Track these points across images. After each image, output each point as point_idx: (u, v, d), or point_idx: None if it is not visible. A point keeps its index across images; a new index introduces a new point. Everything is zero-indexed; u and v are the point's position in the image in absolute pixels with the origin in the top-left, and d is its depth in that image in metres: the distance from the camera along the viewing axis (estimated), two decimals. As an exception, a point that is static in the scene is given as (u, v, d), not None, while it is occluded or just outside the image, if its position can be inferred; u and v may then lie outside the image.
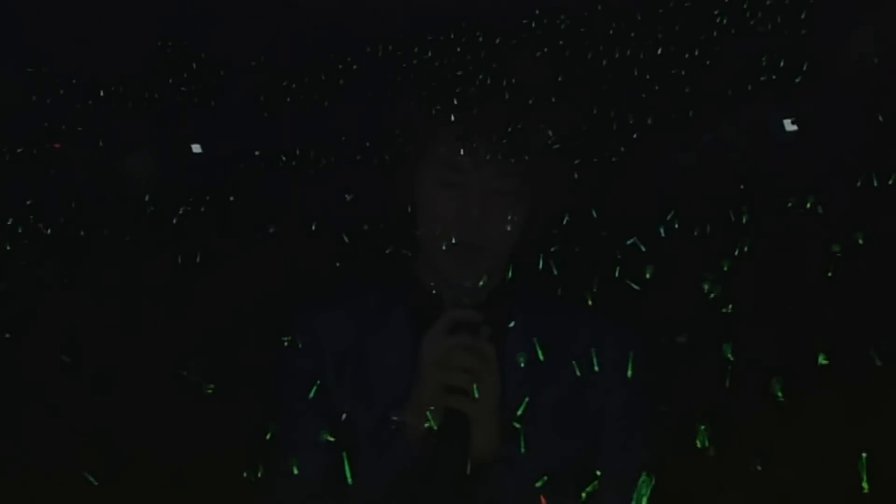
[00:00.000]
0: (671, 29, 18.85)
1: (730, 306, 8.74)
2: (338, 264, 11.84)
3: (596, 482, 5.90)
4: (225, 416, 7.93)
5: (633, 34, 21.03)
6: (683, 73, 19.46)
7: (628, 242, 11.14)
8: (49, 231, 15.71)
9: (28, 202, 18.09)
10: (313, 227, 14.44)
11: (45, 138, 21.64)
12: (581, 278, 9.65)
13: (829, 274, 9.12)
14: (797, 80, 17.24)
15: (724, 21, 20.46)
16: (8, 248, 14.68)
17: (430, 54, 22.43)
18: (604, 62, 21.21)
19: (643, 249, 10.52)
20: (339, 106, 21.17)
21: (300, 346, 8.58)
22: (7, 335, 10.37)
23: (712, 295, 8.76)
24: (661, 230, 11.03)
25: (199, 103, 22.26)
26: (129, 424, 7.68)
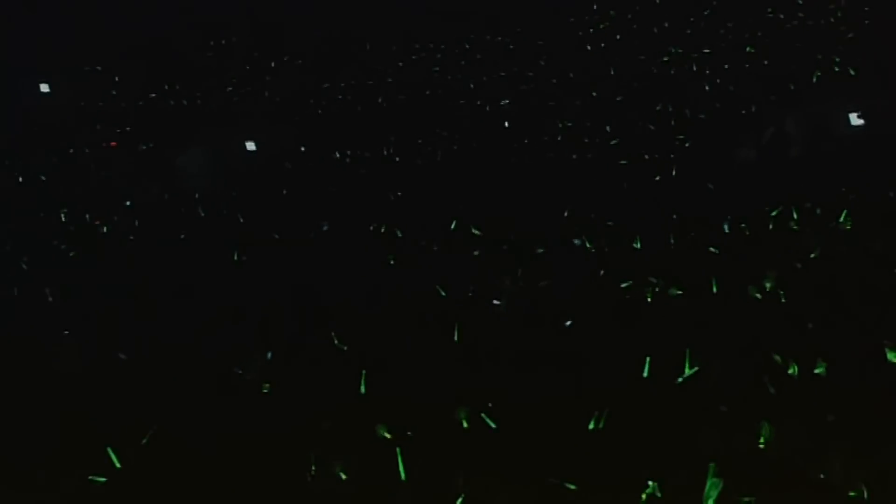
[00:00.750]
0: (727, 24, 18.34)
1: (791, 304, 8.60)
2: (391, 261, 11.80)
3: (655, 484, 5.87)
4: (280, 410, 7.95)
5: (689, 31, 20.37)
6: (746, 66, 18.83)
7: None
8: (105, 229, 15.68)
9: (85, 200, 17.97)
10: (373, 227, 14.22)
11: (101, 138, 21.53)
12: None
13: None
14: (853, 74, 16.59)
15: (782, 15, 19.59)
16: (64, 247, 14.73)
17: (478, 56, 21.83)
18: (665, 58, 20.45)
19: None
20: (390, 106, 20.83)
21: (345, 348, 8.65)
22: (66, 332, 10.49)
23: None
24: (726, 227, 10.86)
25: (251, 102, 21.96)
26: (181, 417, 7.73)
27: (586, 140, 16.87)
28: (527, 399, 7.95)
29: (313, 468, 7.12)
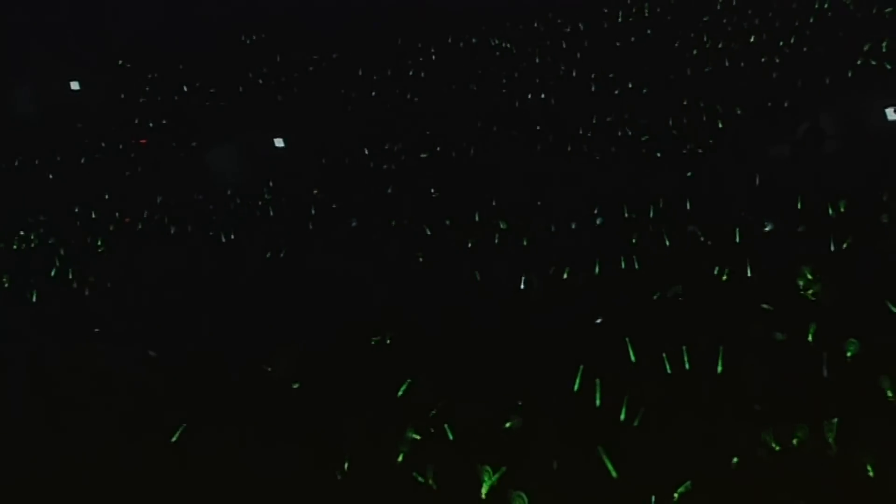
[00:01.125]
0: (765, 15, 18.06)
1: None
2: (420, 258, 11.81)
3: (689, 483, 5.87)
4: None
5: (726, 20, 20.10)
6: (777, 61, 18.61)
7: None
8: (140, 227, 15.78)
9: (116, 198, 18.12)
10: (400, 222, 14.24)
11: (132, 135, 21.65)
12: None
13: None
14: (889, 68, 16.34)
15: (826, 5, 19.29)
16: (99, 243, 14.86)
17: (508, 45, 21.82)
18: (694, 52, 20.34)
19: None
20: (423, 99, 20.78)
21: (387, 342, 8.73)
22: (97, 329, 10.59)
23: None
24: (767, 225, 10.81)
25: (283, 98, 22.00)
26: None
27: (621, 134, 16.80)
28: (564, 393, 8.00)
29: (345, 467, 7.17)
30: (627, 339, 7.96)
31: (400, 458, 7.01)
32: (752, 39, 20.21)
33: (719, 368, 7.83)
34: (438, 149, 17.76)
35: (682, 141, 15.89)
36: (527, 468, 6.82)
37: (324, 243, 13.84)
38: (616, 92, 18.85)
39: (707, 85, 18.58)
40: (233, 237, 14.55)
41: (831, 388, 7.44)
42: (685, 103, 17.51)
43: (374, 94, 21.58)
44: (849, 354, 7.15)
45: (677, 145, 15.81)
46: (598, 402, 7.42)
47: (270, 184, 17.03)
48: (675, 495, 6.28)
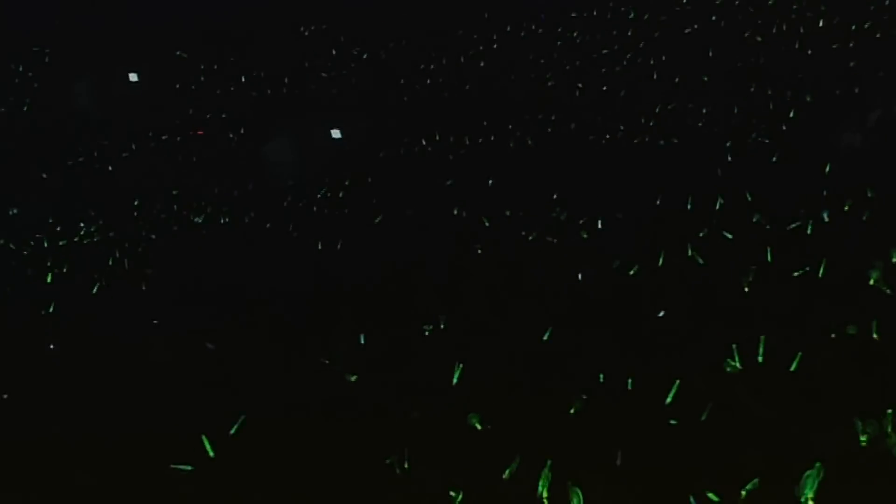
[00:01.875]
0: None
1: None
2: (479, 250, 11.79)
3: (756, 480, 5.77)
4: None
5: (794, 6, 19.76)
6: (851, 45, 18.16)
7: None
8: (199, 219, 15.93)
9: (174, 191, 18.31)
10: (455, 212, 14.27)
11: (189, 126, 21.86)
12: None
13: None
14: None
15: None
16: (153, 236, 15.01)
17: (575, 34, 21.62)
18: (758, 38, 20.04)
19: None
20: (476, 88, 20.69)
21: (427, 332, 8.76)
22: (155, 321, 10.72)
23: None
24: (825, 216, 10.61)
25: (337, 91, 22.06)
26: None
27: (681, 123, 16.64)
28: (620, 387, 7.96)
29: (405, 462, 7.18)
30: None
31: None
32: (820, 24, 19.90)
33: (794, 365, 7.74)
34: (493, 138, 17.73)
35: (748, 129, 15.69)
36: (581, 460, 6.81)
37: (380, 234, 13.88)
38: (676, 80, 18.68)
39: (776, 72, 18.32)
40: (291, 229, 14.64)
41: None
42: (752, 90, 17.29)
43: (429, 82, 21.61)
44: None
45: (742, 133, 15.59)
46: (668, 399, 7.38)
47: (327, 177, 17.13)
48: (743, 493, 6.22)
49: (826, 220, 11.28)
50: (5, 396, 9.32)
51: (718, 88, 17.96)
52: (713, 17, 21.54)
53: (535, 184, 14.70)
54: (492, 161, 16.98)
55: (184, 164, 20.01)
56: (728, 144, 15.04)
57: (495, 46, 23.08)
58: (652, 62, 19.75)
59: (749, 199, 12.34)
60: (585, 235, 12.17)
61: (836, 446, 6.56)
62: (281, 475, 7.31)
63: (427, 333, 9.56)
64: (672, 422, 7.21)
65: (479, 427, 7.40)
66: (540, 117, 18.64)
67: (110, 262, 14.05)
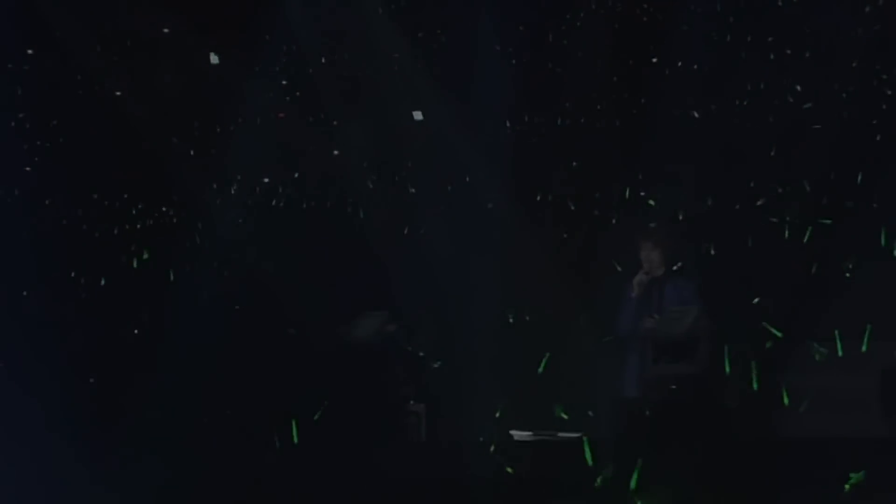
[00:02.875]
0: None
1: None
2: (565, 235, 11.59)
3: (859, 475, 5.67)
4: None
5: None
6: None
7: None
8: (275, 202, 16.08)
9: (253, 173, 18.49)
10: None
11: (270, 108, 21.92)
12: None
13: None
14: None
15: None
16: (240, 220, 15.18)
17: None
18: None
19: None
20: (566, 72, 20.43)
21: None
22: (237, 307, 10.85)
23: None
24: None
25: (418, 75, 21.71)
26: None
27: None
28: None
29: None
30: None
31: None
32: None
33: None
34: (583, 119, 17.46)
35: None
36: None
37: (452, 222, 13.84)
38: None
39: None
40: (364, 215, 14.63)
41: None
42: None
43: (514, 62, 21.30)
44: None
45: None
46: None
47: (409, 162, 17.09)
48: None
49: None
50: None
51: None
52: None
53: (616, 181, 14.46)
54: (576, 146, 16.82)
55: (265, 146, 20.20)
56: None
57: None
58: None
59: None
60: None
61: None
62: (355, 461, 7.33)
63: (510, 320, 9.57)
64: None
65: (565, 417, 7.42)
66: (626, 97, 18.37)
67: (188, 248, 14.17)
